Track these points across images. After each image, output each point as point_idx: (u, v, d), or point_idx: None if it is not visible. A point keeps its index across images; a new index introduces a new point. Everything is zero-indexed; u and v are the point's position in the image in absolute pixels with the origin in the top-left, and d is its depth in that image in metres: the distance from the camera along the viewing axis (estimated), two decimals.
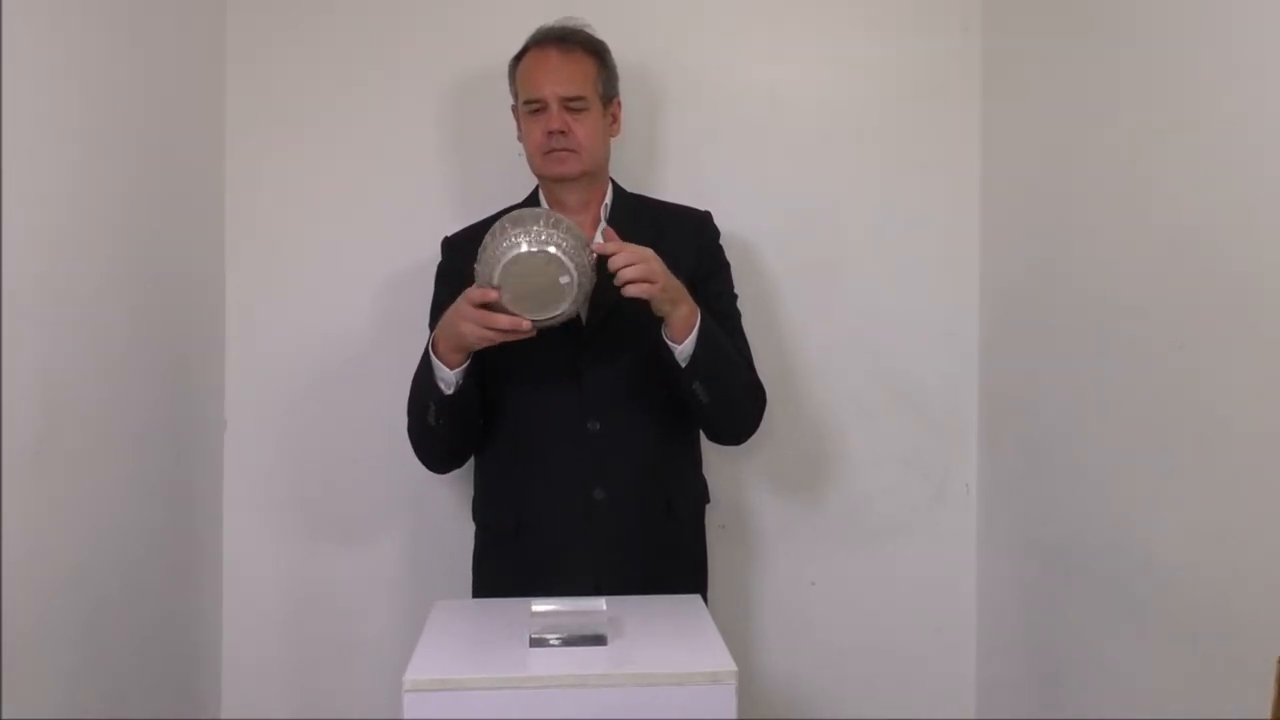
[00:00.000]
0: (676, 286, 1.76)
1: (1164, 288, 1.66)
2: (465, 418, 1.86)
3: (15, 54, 1.48)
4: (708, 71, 2.29)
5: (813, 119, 2.31)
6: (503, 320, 1.67)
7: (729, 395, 1.87)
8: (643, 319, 1.84)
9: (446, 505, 2.23)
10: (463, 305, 1.71)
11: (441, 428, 1.84)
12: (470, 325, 1.69)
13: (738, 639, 2.02)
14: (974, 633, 2.34)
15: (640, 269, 1.70)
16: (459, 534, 2.08)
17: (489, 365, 1.85)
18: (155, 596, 1.97)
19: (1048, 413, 2.04)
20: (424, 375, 1.82)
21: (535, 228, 1.65)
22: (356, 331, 2.26)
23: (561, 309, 1.68)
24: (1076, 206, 1.94)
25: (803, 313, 2.30)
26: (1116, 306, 1.80)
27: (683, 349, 1.78)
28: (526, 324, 1.68)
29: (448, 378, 1.78)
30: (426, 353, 1.81)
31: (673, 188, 2.19)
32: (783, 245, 2.29)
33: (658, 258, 1.74)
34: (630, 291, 1.71)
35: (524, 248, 1.64)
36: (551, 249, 1.64)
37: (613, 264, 1.70)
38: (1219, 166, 1.54)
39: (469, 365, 1.79)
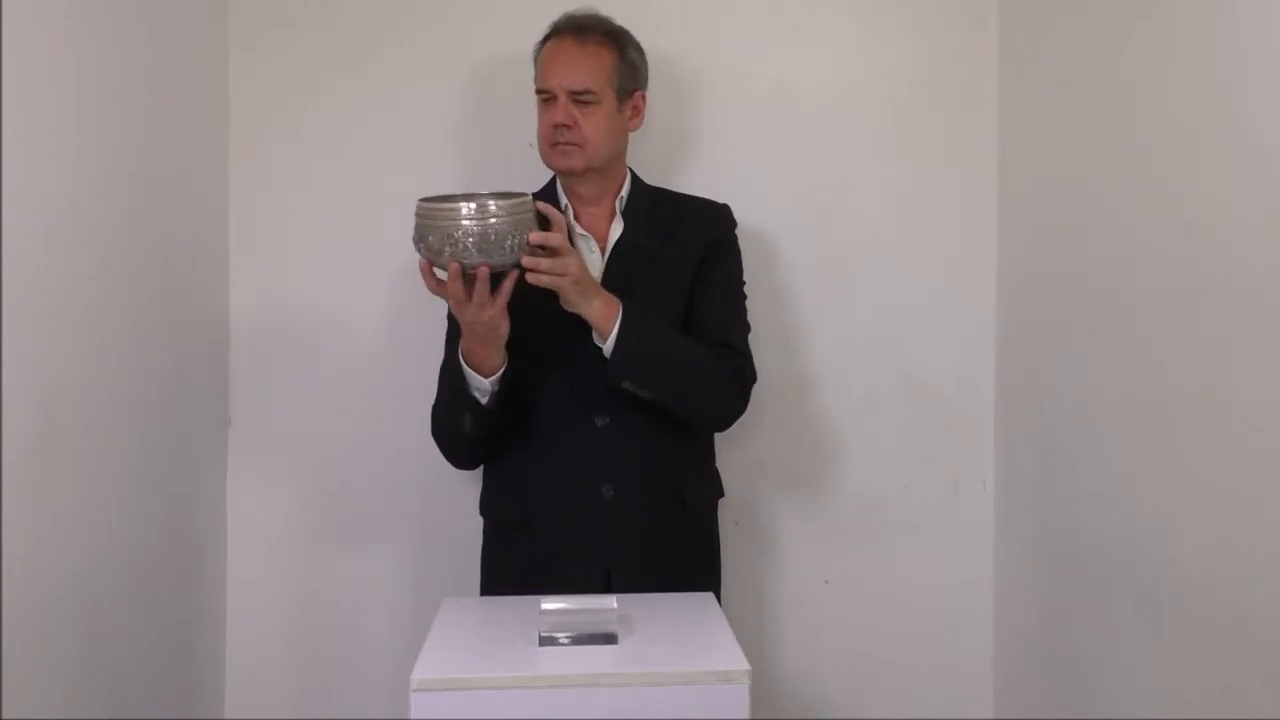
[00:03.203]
0: (590, 286, 1.74)
1: (1184, 282, 1.64)
2: (499, 422, 1.84)
3: (15, 48, 1.46)
4: (720, 64, 2.27)
5: (827, 112, 2.29)
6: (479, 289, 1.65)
7: (673, 388, 1.84)
8: (655, 317, 1.83)
9: (453, 503, 2.20)
10: (468, 318, 1.69)
11: (477, 435, 1.83)
12: (479, 312, 1.67)
13: (751, 637, 2.00)
14: (991, 631, 2.31)
15: (549, 263, 1.68)
16: (466, 532, 2.06)
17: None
18: (158, 595, 1.95)
19: (1066, 408, 2.02)
20: (456, 386, 1.80)
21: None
22: (362, 326, 2.24)
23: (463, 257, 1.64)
24: (1094, 200, 1.92)
25: (817, 307, 2.28)
26: (1135, 301, 1.78)
27: (606, 346, 1.77)
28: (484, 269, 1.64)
29: (483, 386, 1.77)
30: (457, 364, 1.78)
31: (685, 180, 2.17)
32: (797, 239, 2.27)
33: (579, 257, 1.73)
34: (536, 280, 1.68)
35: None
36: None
37: (528, 262, 1.67)
38: (1239, 160, 1.52)
39: (503, 373, 1.77)
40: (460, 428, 1.82)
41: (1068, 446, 2.01)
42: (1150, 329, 1.73)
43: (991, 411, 2.31)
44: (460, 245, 1.61)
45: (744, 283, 2.00)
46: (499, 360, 1.77)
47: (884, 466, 2.30)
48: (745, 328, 1.96)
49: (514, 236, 1.63)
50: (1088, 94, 1.94)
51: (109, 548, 1.77)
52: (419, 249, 1.66)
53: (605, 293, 1.77)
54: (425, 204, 1.64)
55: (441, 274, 1.67)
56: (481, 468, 2.01)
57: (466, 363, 1.77)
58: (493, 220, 1.61)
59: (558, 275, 1.69)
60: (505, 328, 1.73)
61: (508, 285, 1.69)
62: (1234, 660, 1.53)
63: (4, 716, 1.45)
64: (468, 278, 1.65)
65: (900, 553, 2.30)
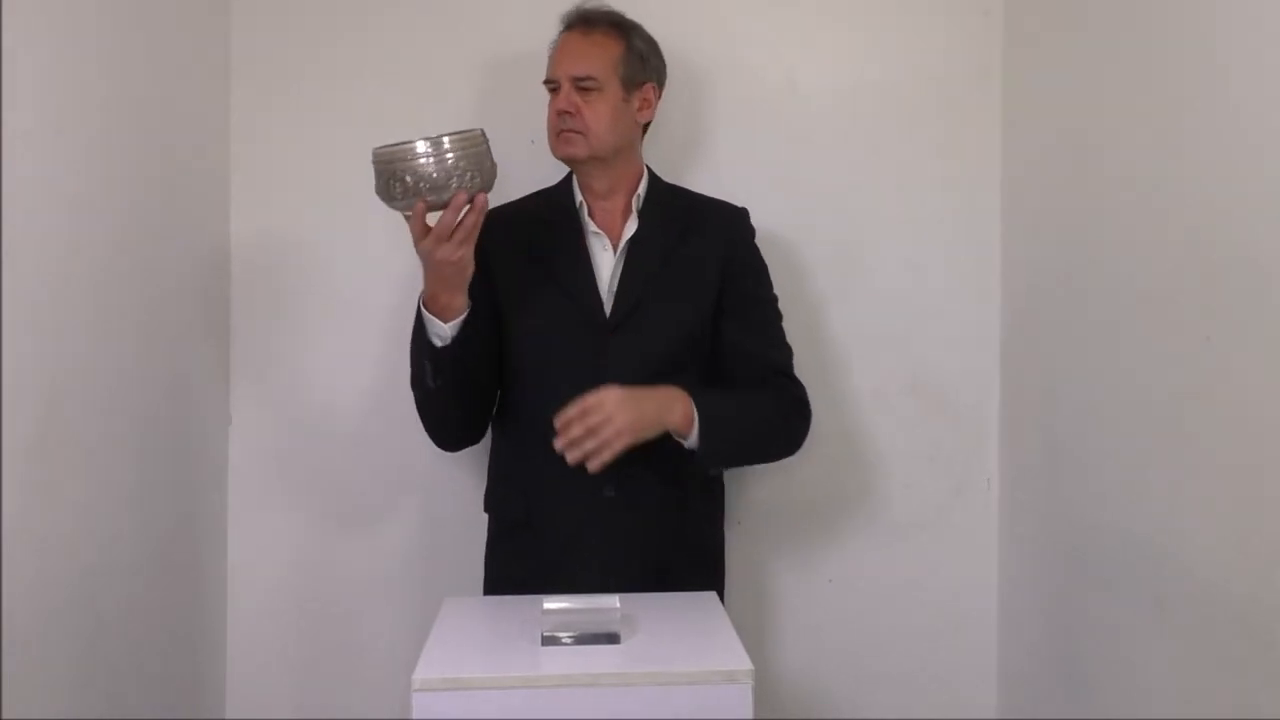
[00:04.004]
0: (652, 413, 1.73)
1: (1191, 279, 1.63)
2: (465, 377, 1.80)
3: (15, 40, 1.45)
4: (723, 58, 2.25)
5: (829, 106, 2.27)
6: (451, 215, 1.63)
7: (755, 455, 1.95)
8: (668, 318, 1.85)
9: (457, 501, 2.20)
10: (440, 256, 1.66)
11: (442, 389, 1.79)
12: (456, 249, 1.65)
13: (754, 637, 2.00)
14: (995, 631, 2.30)
15: (597, 441, 1.67)
16: (469, 530, 2.05)
17: (510, 352, 1.85)
18: (159, 594, 1.95)
19: (1071, 406, 2.01)
20: (418, 337, 1.78)
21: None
22: (364, 327, 2.22)
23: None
24: (1100, 196, 1.90)
25: (821, 305, 2.27)
26: (1142, 298, 1.77)
27: (689, 441, 1.78)
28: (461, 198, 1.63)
29: (443, 332, 1.74)
30: (419, 315, 1.76)
31: (691, 178, 2.16)
32: (800, 236, 2.25)
33: (615, 399, 1.69)
34: (599, 465, 1.68)
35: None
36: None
37: (564, 447, 1.68)
38: (1248, 155, 1.50)
39: (465, 318, 1.74)
40: (426, 384, 1.79)
41: (1072, 445, 2.00)
42: (1155, 326, 1.72)
43: (996, 410, 2.29)
44: (468, 174, 1.60)
45: (776, 298, 2.00)
46: (462, 303, 1.74)
47: (888, 465, 2.28)
48: (790, 351, 1.98)
49: (487, 159, 1.64)
50: (1093, 87, 1.93)
51: (110, 547, 1.76)
52: (393, 191, 1.62)
53: (669, 400, 1.76)
54: (392, 148, 1.61)
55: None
56: (487, 464, 2.01)
57: (428, 310, 1.74)
58: (461, 152, 1.60)
59: (616, 438, 1.68)
60: (472, 266, 1.71)
61: (477, 219, 1.66)
62: (1241, 661, 1.52)
63: (4, 717, 1.44)
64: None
65: (904, 552, 2.29)
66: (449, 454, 2.00)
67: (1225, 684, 1.55)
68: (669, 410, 1.76)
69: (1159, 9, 1.72)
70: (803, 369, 2.10)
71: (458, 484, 2.19)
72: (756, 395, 1.89)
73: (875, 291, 2.28)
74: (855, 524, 2.29)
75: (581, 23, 1.92)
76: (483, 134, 1.65)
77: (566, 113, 1.87)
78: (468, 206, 1.64)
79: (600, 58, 1.88)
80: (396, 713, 2.14)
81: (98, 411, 1.71)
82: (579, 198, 1.94)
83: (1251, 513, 1.50)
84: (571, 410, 1.68)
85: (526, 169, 2.01)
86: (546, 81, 1.92)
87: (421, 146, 1.59)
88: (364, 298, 2.22)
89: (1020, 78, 2.23)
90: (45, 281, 1.55)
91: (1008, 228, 2.27)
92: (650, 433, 1.74)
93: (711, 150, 2.25)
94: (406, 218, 1.65)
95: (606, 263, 1.91)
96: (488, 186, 1.65)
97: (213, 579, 2.19)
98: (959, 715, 2.30)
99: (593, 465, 1.69)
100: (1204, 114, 1.60)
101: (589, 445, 1.68)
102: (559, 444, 1.68)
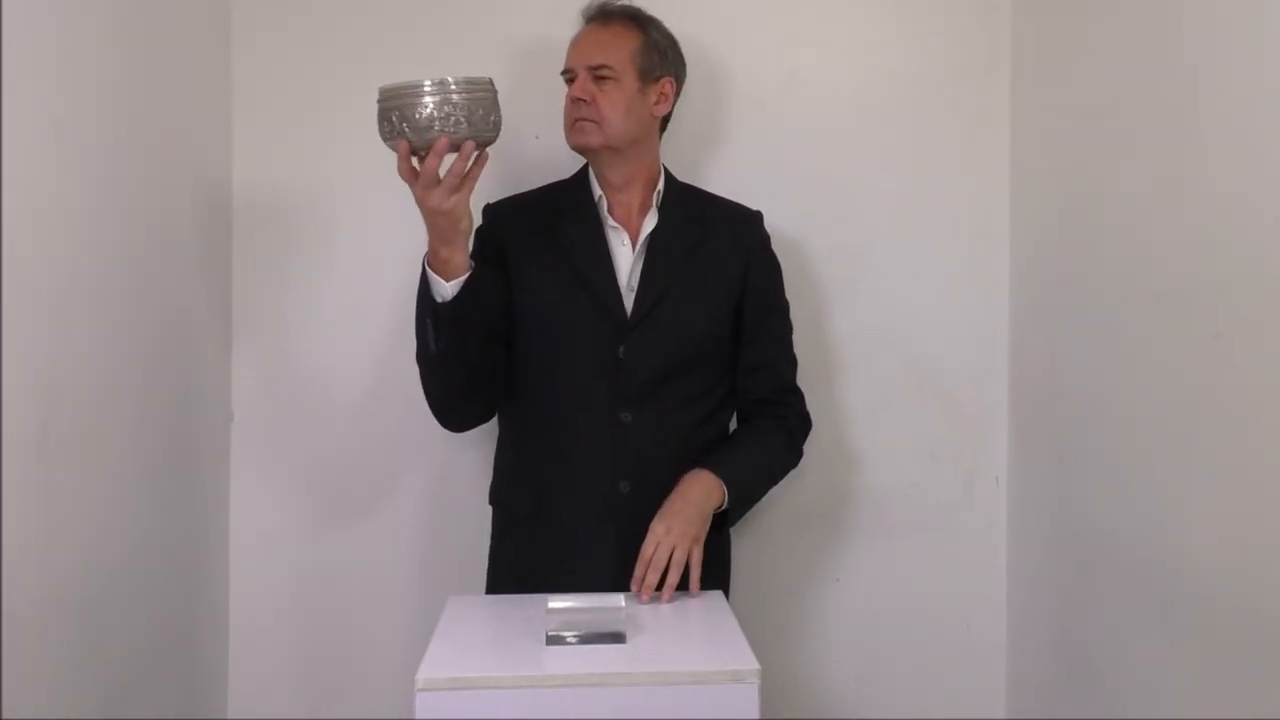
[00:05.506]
0: (696, 515, 1.77)
1: (1201, 275, 1.62)
2: (468, 342, 1.77)
3: (14, 37, 1.44)
4: (726, 54, 2.24)
5: (835, 101, 2.26)
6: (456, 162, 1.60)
7: (770, 488, 2.00)
8: (685, 317, 1.86)
9: (461, 499, 2.18)
10: (433, 204, 1.63)
11: (445, 354, 1.75)
12: (446, 196, 1.61)
13: (760, 636, 1.97)
14: (1004, 630, 2.29)
15: (676, 571, 1.71)
16: (474, 528, 2.04)
17: (524, 347, 1.85)
18: (160, 592, 1.94)
19: (1079, 404, 2.00)
20: (423, 296, 1.74)
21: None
22: (365, 326, 2.21)
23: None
24: (1109, 191, 1.89)
25: (826, 302, 2.26)
26: (1151, 294, 1.75)
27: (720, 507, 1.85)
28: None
29: (444, 291, 1.70)
30: (424, 274, 1.73)
31: (696, 176, 2.14)
32: (805, 232, 2.24)
33: (664, 532, 1.73)
34: (696, 582, 1.74)
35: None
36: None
37: (649, 588, 1.71)
38: (1258, 150, 1.49)
39: (470, 276, 1.71)
40: (429, 348, 1.76)
41: (1081, 443, 1.99)
42: (1167, 322, 1.71)
43: (1004, 408, 2.28)
44: (452, 119, 1.58)
45: (789, 304, 2.03)
46: (461, 260, 1.70)
47: (896, 463, 2.27)
48: (796, 362, 2.04)
49: (495, 112, 1.62)
50: (1103, 82, 1.92)
51: (110, 544, 1.75)
52: (401, 130, 1.59)
53: (703, 494, 1.80)
54: (404, 83, 1.58)
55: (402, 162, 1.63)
56: (493, 459, 2.00)
57: (432, 268, 1.71)
58: (479, 93, 1.59)
59: (688, 557, 1.73)
60: (468, 223, 1.68)
61: (476, 171, 1.63)
62: (1250, 659, 1.51)
63: (4, 716, 1.43)
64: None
65: (912, 550, 2.27)
66: (453, 450, 1.98)
67: (1234, 684, 1.54)
68: (706, 504, 1.80)
69: (1169, 6, 1.71)
70: (809, 366, 2.09)
71: (461, 481, 2.18)
72: (769, 436, 1.97)
73: (883, 288, 2.27)
74: (862, 523, 2.28)
75: (600, 15, 1.94)
76: (490, 83, 1.62)
77: (581, 100, 1.86)
78: (470, 154, 1.61)
79: (617, 48, 1.89)
80: (400, 712, 2.13)
81: (99, 410, 1.70)
82: (597, 191, 1.93)
83: (1260, 512, 1.48)
84: (639, 571, 1.71)
85: (529, 168, 1.99)
86: (564, 72, 1.92)
87: (427, 85, 1.58)
88: (366, 297, 2.20)
89: (1029, 72, 2.22)
90: (47, 275, 1.54)
91: (1016, 224, 2.26)
92: (706, 527, 1.78)
93: (717, 146, 2.24)
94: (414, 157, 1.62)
95: (625, 258, 1.90)
96: (487, 138, 1.62)
97: (214, 578, 2.18)
98: (967, 715, 2.28)
99: (670, 590, 1.71)
100: (1213, 108, 1.59)
101: (672, 578, 1.71)
102: (644, 600, 1.69)
